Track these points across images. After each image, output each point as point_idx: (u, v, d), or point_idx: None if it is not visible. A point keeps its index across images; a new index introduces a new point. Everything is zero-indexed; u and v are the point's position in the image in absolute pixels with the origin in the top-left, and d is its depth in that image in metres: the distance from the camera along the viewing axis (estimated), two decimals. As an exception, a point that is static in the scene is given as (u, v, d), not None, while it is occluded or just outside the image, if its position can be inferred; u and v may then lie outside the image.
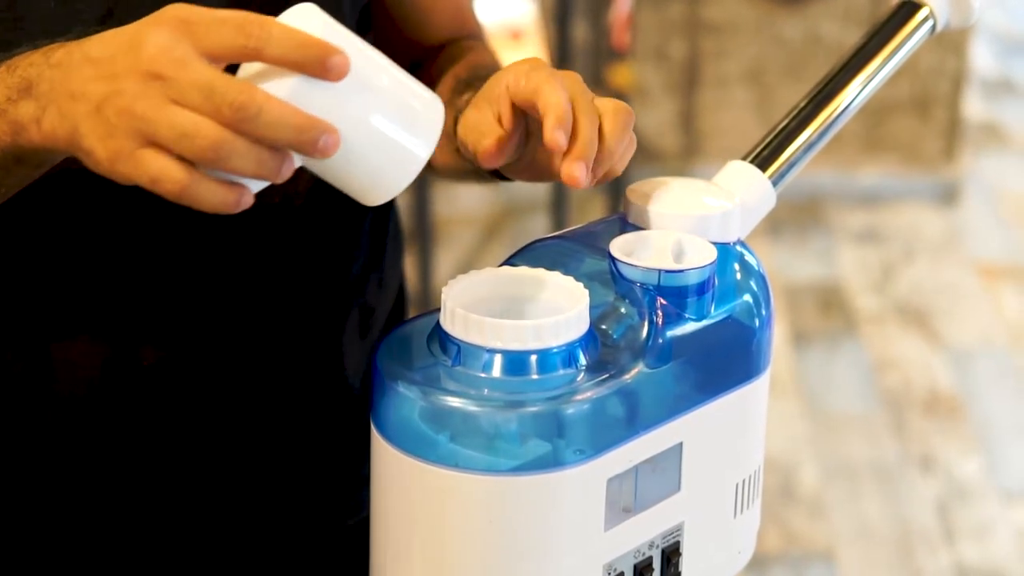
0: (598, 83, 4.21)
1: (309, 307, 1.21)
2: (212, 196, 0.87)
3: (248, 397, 1.19)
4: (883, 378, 3.69)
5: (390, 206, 1.31)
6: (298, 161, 0.89)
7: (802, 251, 4.34)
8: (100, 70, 0.88)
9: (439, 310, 0.96)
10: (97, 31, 0.94)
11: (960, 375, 3.70)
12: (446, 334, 0.95)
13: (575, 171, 0.96)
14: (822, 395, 3.61)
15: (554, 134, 0.96)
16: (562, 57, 4.27)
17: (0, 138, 0.93)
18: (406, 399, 0.93)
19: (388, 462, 0.95)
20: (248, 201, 0.88)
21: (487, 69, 1.21)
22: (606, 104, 1.02)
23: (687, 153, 4.65)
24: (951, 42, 4.49)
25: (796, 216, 4.51)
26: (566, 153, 0.97)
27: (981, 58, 5.67)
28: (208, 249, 1.14)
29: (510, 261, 1.02)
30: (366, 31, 1.25)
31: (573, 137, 0.97)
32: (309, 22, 0.90)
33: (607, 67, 4.15)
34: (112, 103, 0.87)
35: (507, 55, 4.19)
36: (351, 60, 0.88)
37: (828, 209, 4.57)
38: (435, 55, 1.32)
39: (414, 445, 0.93)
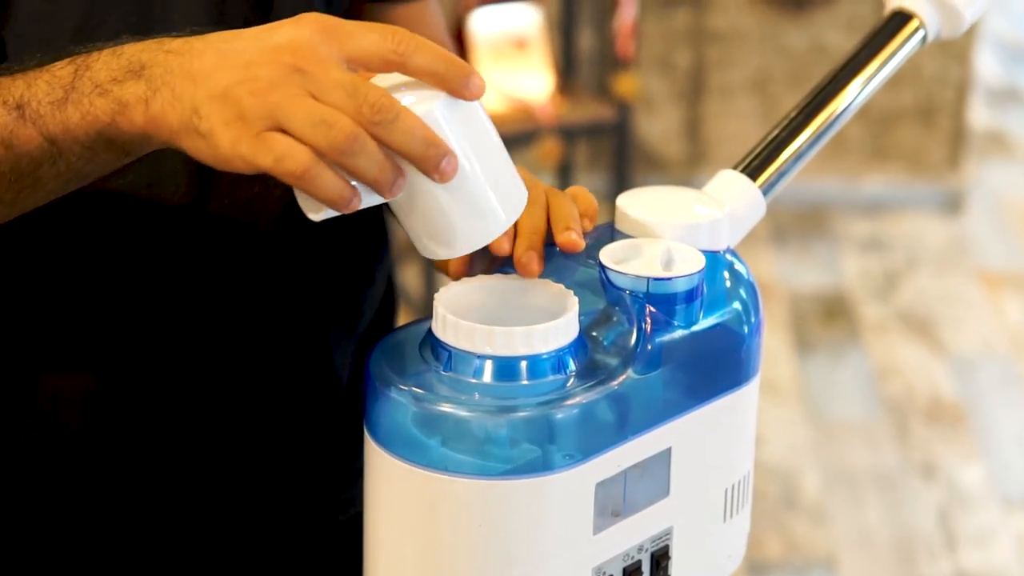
0: (603, 92, 4.23)
1: (296, 305, 1.22)
2: (331, 185, 0.88)
3: (237, 394, 1.20)
4: (886, 386, 3.69)
5: (378, 209, 1.33)
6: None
7: (806, 259, 4.35)
8: (228, 59, 0.89)
9: (431, 316, 0.98)
10: (78, 32, 0.96)
11: (962, 383, 3.71)
12: (438, 340, 0.96)
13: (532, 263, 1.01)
14: (825, 403, 3.62)
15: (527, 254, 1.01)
16: (567, 66, 4.28)
17: (98, 117, 0.93)
18: (398, 404, 0.94)
19: (381, 466, 0.96)
20: (357, 205, 0.90)
21: None
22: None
23: (692, 161, 4.66)
24: (955, 50, 4.50)
25: (800, 224, 4.52)
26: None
27: (986, 66, 5.68)
28: (200, 248, 1.15)
29: (503, 269, 1.04)
30: None
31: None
32: None
33: (612, 76, 4.16)
34: (244, 87, 0.88)
35: (512, 65, 4.16)
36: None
37: (832, 217, 4.58)
38: None
39: (406, 449, 0.94)
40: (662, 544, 1.02)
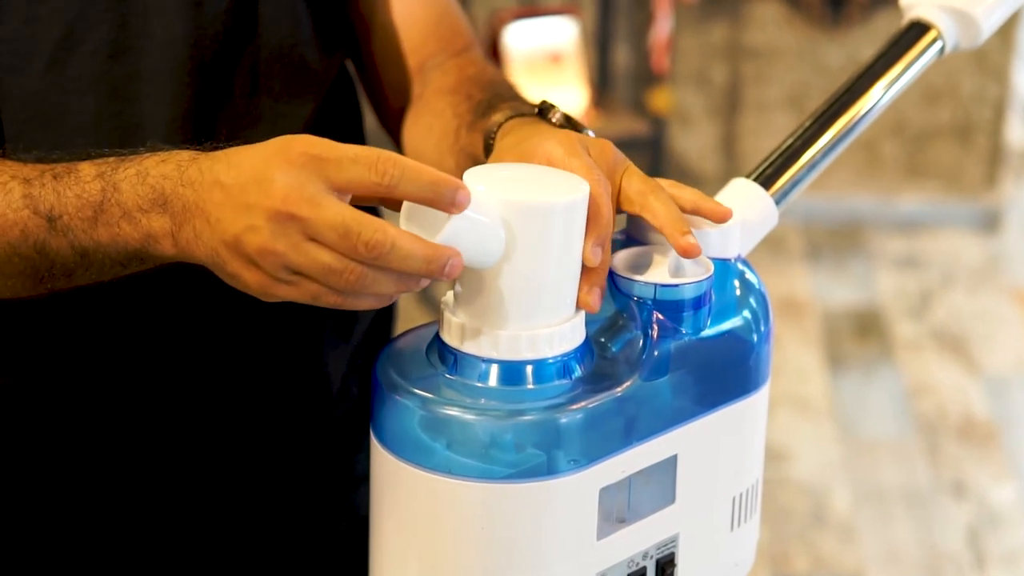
0: (638, 107, 4.23)
1: (288, 310, 1.23)
2: (368, 302, 0.93)
3: (232, 401, 1.21)
4: (918, 404, 3.68)
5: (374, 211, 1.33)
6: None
7: (841, 276, 4.34)
8: (232, 199, 0.92)
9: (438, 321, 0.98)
10: (56, 53, 0.97)
11: (995, 402, 3.69)
12: (444, 344, 0.96)
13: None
14: (856, 419, 3.61)
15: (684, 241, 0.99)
16: (602, 80, 4.29)
17: (128, 242, 0.96)
18: (403, 407, 0.95)
19: (386, 469, 0.96)
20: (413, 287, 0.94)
21: (502, 86, 1.23)
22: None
23: (727, 177, 4.61)
24: (993, 68, 4.48)
25: (836, 241, 4.50)
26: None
27: (1025, 85, 5.66)
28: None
29: None
30: (334, 44, 1.26)
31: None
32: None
33: (647, 91, 4.16)
34: (249, 240, 0.91)
35: (547, 79, 4.16)
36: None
37: (867, 234, 4.56)
38: (431, 79, 1.30)
39: (411, 452, 0.94)
40: (668, 551, 1.02)
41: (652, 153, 4.09)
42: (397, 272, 0.91)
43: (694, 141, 4.66)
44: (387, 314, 1.35)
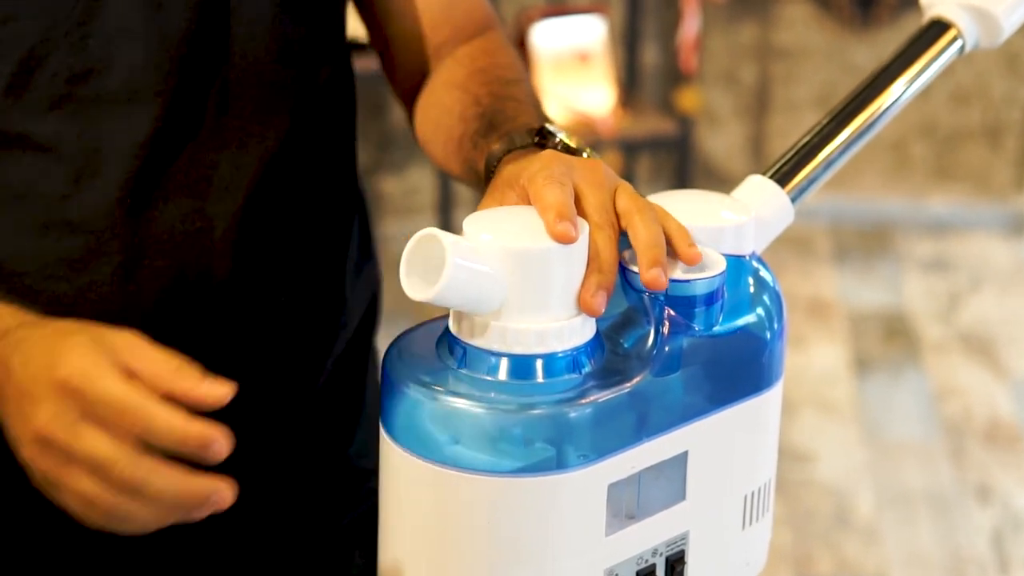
0: (666, 106, 4.23)
1: (250, 356, 1.23)
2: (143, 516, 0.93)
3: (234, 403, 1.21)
4: (944, 407, 3.66)
5: (339, 275, 1.33)
6: None
7: (869, 278, 4.32)
8: (21, 395, 0.93)
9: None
10: (17, 75, 1.03)
11: (1021, 405, 3.67)
12: (454, 337, 0.96)
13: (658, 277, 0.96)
14: (882, 422, 3.59)
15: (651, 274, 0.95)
16: (630, 79, 4.28)
17: None
18: (412, 400, 0.94)
19: (394, 462, 0.96)
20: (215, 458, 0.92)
21: (510, 94, 1.21)
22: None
23: (755, 178, 4.64)
24: (1024, 71, 4.47)
25: (864, 243, 4.49)
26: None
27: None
28: (140, 301, 1.16)
29: None
30: (319, 57, 1.24)
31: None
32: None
33: (675, 90, 4.16)
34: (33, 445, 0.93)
35: (574, 78, 4.15)
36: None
37: (896, 237, 4.55)
38: (442, 68, 1.29)
39: (419, 445, 0.94)
40: (677, 549, 1.01)
41: (679, 153, 4.09)
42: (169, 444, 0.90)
43: (722, 141, 4.65)
44: (372, 314, 1.34)
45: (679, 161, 4.09)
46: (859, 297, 4.21)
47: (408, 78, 1.29)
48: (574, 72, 4.04)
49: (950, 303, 4.19)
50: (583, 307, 0.94)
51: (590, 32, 4.10)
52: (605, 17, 4.15)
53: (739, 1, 4.50)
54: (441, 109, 1.22)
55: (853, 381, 3.78)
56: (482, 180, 1.11)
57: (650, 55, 4.47)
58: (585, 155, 1.07)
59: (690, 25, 4.10)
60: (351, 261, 1.31)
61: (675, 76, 4.21)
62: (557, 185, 0.95)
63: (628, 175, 4.26)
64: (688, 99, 4.08)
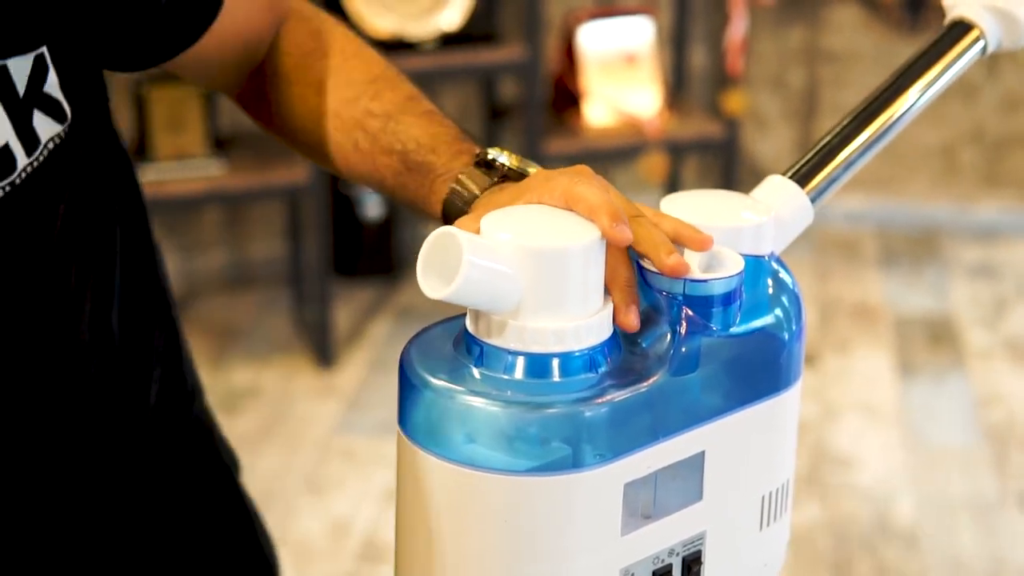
0: (713, 108, 4.22)
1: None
2: None
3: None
4: (988, 413, 3.64)
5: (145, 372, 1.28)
6: None
7: (915, 283, 4.30)
8: None
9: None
10: None
11: (1066, 413, 3.65)
12: (470, 336, 0.96)
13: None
14: (925, 427, 3.58)
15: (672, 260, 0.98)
16: (677, 81, 4.27)
17: None
18: (429, 399, 0.95)
19: (410, 460, 0.97)
20: None
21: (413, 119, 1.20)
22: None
23: (802, 181, 4.63)
24: (1075, 76, 4.44)
25: (911, 248, 4.47)
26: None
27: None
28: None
29: None
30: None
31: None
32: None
33: (722, 93, 4.15)
34: None
35: (621, 79, 4.15)
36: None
37: (943, 242, 4.52)
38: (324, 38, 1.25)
39: (436, 444, 0.94)
40: (694, 549, 1.01)
41: (726, 155, 4.08)
42: None
43: (770, 144, 4.63)
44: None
45: (726, 164, 4.08)
46: (905, 302, 4.19)
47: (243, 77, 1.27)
48: (621, 73, 4.04)
49: (996, 310, 4.16)
50: (623, 327, 0.97)
51: (638, 33, 4.10)
52: (653, 18, 4.15)
53: (788, 4, 4.49)
54: (345, 83, 1.22)
55: (897, 386, 3.76)
56: (435, 215, 1.12)
57: (698, 57, 4.47)
58: (532, 171, 1.08)
59: (737, 27, 4.10)
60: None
61: (722, 78, 4.20)
62: (600, 189, 0.97)
63: (674, 177, 4.26)
64: (735, 102, 4.07)
